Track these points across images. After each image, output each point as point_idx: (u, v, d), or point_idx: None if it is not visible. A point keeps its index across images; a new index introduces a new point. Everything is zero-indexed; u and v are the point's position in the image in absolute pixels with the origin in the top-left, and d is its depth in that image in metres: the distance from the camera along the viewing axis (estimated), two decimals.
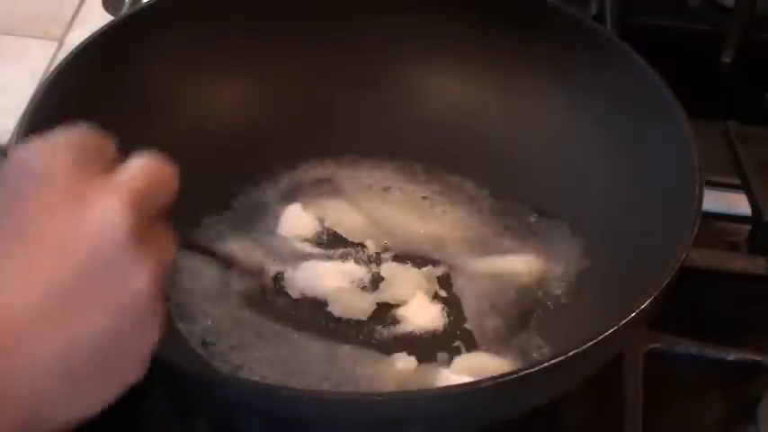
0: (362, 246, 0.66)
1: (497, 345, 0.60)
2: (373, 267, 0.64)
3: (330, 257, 0.65)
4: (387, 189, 0.70)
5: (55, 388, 0.37)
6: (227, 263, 0.63)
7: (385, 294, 0.62)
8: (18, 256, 0.37)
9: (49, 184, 0.38)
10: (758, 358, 0.61)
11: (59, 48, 0.94)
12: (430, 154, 0.71)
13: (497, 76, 0.71)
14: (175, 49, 0.68)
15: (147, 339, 0.39)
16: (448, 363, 0.59)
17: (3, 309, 0.36)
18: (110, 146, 0.42)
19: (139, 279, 0.38)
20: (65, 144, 0.39)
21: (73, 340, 0.37)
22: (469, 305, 0.63)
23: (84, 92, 0.62)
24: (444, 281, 0.64)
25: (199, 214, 0.66)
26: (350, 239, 0.66)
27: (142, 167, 0.40)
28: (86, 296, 0.37)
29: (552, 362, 0.47)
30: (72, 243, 0.37)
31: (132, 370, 0.39)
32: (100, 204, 0.37)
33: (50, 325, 0.36)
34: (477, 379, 0.48)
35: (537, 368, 0.47)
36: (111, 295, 0.37)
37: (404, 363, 0.58)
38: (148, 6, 0.68)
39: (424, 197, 0.69)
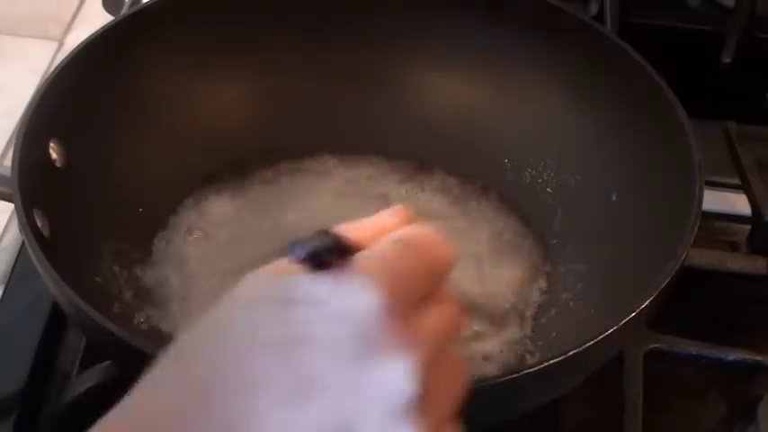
0: None
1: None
2: None
3: None
4: (386, 189, 0.70)
5: None
6: None
7: None
8: (294, 400, 0.32)
9: (350, 330, 0.32)
10: (758, 358, 0.61)
11: (59, 48, 0.94)
12: (429, 153, 0.71)
13: (497, 75, 0.71)
14: (175, 48, 0.68)
15: None
16: None
17: None
18: (450, 260, 0.36)
19: None
20: (398, 266, 0.34)
21: None
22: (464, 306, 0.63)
23: (84, 92, 0.62)
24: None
25: None
26: None
27: (448, 313, 0.36)
28: None
29: (552, 362, 0.47)
30: (344, 400, 0.32)
31: None
32: (388, 367, 0.33)
33: None
34: None
35: (537, 368, 0.47)
36: None
37: None
38: (148, 6, 0.68)
39: (421, 197, 0.69)
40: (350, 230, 0.36)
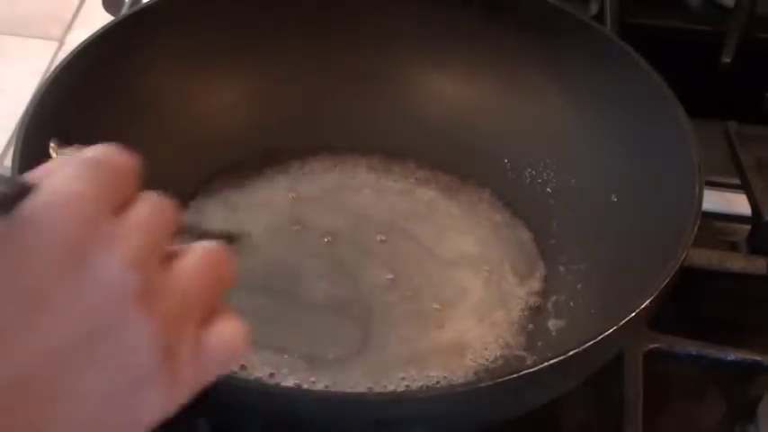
0: None
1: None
2: None
3: None
4: (385, 188, 0.70)
5: None
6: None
7: None
8: (18, 321, 0.34)
9: (55, 241, 0.34)
10: (758, 358, 0.61)
11: (59, 48, 0.94)
12: (428, 153, 0.71)
13: (497, 75, 0.71)
14: (175, 48, 0.68)
15: (151, 403, 0.35)
16: None
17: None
18: (133, 168, 0.38)
19: (138, 336, 0.34)
20: (79, 178, 0.35)
21: (76, 399, 0.34)
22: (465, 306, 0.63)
23: (85, 92, 0.62)
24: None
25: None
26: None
27: (152, 206, 0.37)
28: (84, 356, 0.34)
29: (552, 362, 0.47)
30: (72, 306, 0.34)
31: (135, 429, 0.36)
32: (101, 262, 0.34)
33: (50, 386, 0.34)
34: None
35: (537, 368, 0.47)
36: (106, 353, 0.34)
37: None
38: (148, 6, 0.68)
39: (420, 196, 0.69)
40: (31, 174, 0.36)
